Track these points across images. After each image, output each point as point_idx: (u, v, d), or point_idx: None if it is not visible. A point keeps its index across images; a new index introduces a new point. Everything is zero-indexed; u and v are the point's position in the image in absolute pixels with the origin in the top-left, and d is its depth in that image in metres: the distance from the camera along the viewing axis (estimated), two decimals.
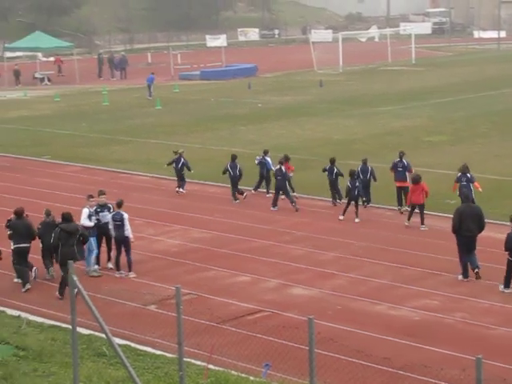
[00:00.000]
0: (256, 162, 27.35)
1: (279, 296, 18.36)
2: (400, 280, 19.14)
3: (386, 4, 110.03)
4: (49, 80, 61.37)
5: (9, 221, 19.60)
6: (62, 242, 18.34)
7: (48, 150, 34.95)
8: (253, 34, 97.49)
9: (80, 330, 13.94)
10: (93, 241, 19.76)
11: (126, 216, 19.72)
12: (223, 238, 22.81)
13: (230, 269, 20.12)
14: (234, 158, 26.88)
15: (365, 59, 72.38)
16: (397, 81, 58.59)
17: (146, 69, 70.57)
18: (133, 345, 15.38)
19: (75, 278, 12.07)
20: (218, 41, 76.72)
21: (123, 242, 19.67)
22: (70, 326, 12.39)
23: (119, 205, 19.90)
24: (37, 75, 61.40)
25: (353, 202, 24.17)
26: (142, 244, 21.42)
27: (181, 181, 27.68)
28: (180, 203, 26.61)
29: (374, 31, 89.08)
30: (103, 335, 12.81)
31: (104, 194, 20.66)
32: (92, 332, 15.37)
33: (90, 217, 19.87)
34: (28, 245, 19.09)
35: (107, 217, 19.90)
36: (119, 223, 19.66)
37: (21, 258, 19.04)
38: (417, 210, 23.31)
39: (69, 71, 61.91)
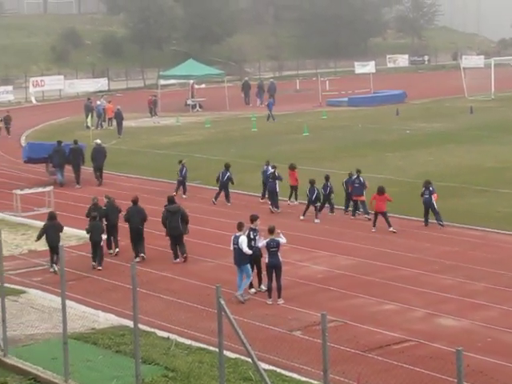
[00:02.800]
0: (262, 173, 30.69)
1: (427, 326, 18.01)
2: None
3: None
4: (200, 107, 62.83)
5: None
6: (169, 219, 23.38)
7: (199, 175, 35.66)
8: (402, 60, 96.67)
9: (227, 353, 14.12)
10: (249, 266, 20.05)
11: (282, 242, 19.86)
12: (369, 265, 22.62)
13: (377, 297, 19.91)
14: (227, 166, 30.71)
15: None
16: None
17: (294, 95, 71.27)
18: (278, 370, 15.40)
19: (222, 302, 12.24)
20: (366, 67, 76.58)
21: (276, 269, 19.79)
22: (217, 349, 12.57)
23: (272, 231, 20.00)
24: (189, 102, 63.00)
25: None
26: (288, 269, 21.46)
27: (183, 187, 31.84)
28: (325, 229, 26.60)
29: None
30: (249, 359, 12.93)
31: (257, 218, 20.84)
32: (238, 356, 15.49)
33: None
34: (141, 226, 23.60)
35: (259, 240, 20.15)
36: (274, 250, 19.77)
37: (135, 238, 23.57)
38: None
39: (219, 98, 63.18)
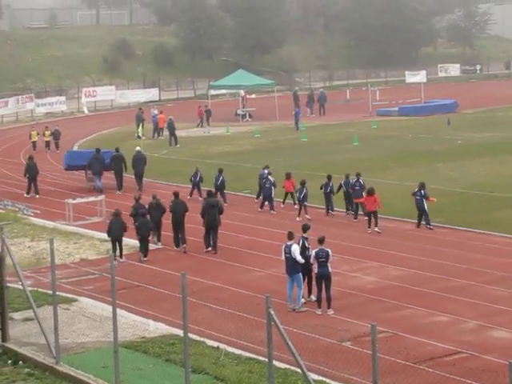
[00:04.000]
0: (258, 176, 32.30)
1: (478, 338, 17.81)
2: None
3: None
4: (250, 116, 62.96)
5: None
6: (207, 211, 25.16)
7: (248, 185, 35.72)
8: (453, 69, 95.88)
9: (276, 363, 14.12)
10: (301, 276, 20.03)
11: (331, 253, 19.83)
12: (420, 276, 22.44)
13: (427, 308, 19.74)
14: (220, 170, 32.52)
15: None
16: None
17: (344, 105, 71.10)
18: (328, 381, 15.35)
19: (272, 312, 12.25)
20: (417, 77, 76.03)
21: (325, 279, 19.75)
22: (267, 359, 12.56)
23: (321, 241, 19.97)
24: (239, 112, 63.16)
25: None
26: (338, 280, 21.39)
27: (198, 191, 33.18)
28: (375, 240, 26.47)
29: None
30: (299, 370, 12.91)
31: (309, 228, 20.91)
32: (288, 366, 15.45)
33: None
34: (182, 217, 25.56)
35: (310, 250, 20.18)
36: (323, 260, 19.73)
37: (177, 227, 25.63)
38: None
39: (269, 108, 63.28)
